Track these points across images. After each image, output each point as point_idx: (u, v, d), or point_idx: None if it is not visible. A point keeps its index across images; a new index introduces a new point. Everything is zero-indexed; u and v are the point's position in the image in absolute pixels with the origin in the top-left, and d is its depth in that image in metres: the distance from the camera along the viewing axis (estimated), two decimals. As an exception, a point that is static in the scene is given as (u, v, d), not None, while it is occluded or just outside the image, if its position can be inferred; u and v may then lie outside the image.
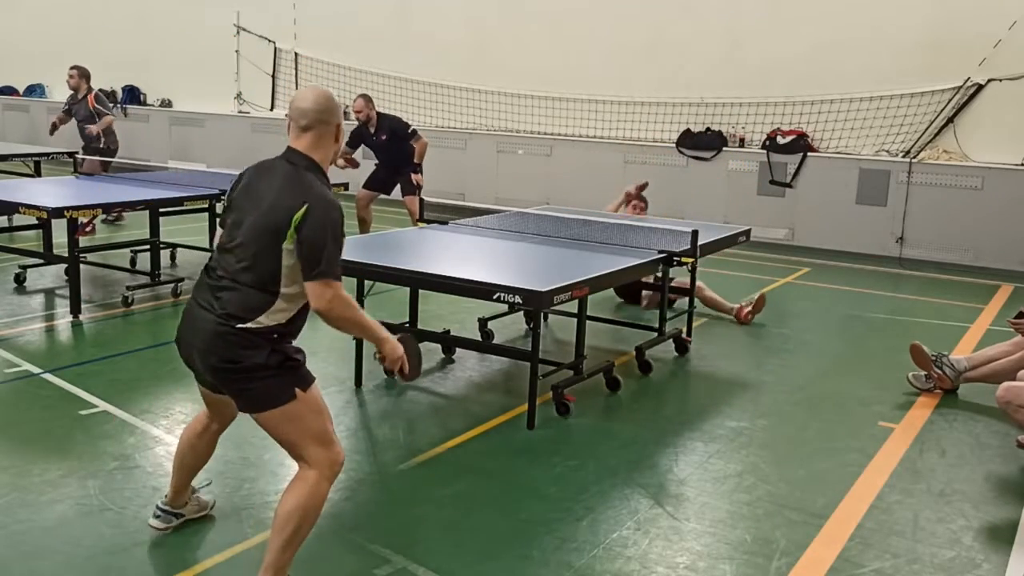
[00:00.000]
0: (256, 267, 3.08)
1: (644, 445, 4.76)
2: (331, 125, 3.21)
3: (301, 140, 3.20)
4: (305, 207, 3.02)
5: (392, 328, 5.72)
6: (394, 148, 9.15)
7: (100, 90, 10.95)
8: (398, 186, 9.31)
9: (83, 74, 10.49)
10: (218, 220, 3.38)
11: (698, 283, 7.13)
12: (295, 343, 3.23)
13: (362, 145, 9.36)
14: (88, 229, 9.65)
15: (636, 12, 11.99)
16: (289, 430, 3.16)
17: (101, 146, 10.36)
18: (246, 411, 3.24)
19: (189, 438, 3.58)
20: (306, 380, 3.18)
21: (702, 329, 6.97)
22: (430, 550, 3.58)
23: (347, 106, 14.21)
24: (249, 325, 3.07)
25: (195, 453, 3.60)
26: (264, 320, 3.09)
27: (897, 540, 3.80)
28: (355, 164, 9.15)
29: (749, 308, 7.25)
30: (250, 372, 3.09)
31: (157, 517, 3.65)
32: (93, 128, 10.34)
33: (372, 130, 9.17)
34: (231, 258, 3.14)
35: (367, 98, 9.22)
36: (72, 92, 10.54)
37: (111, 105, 11.23)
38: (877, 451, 4.76)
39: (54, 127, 10.71)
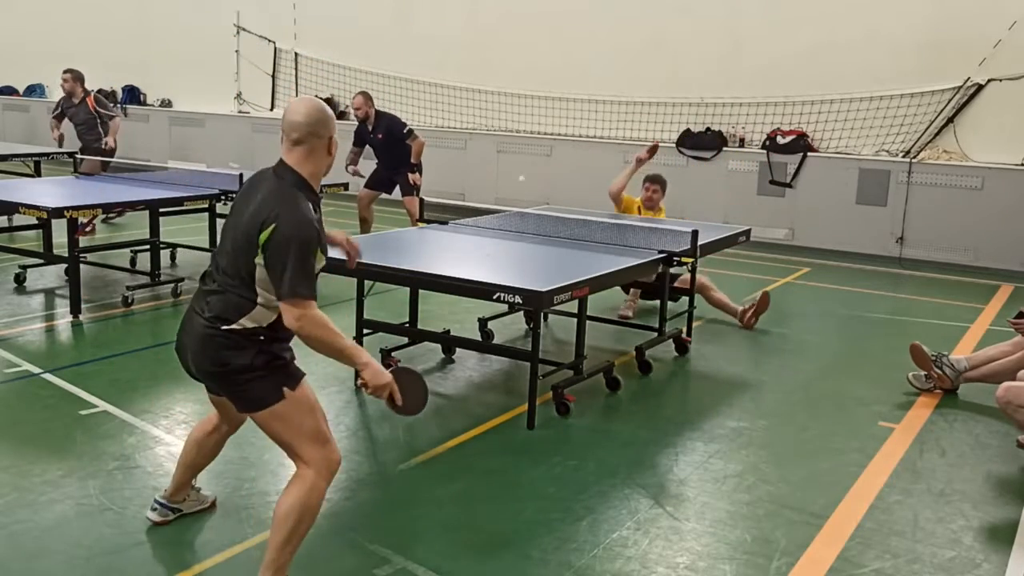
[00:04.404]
0: (237, 274, 3.09)
1: (644, 445, 4.76)
2: (323, 139, 3.14)
3: (292, 154, 3.13)
4: (272, 227, 2.98)
5: (392, 329, 5.79)
6: (390, 147, 9.21)
7: (99, 91, 10.85)
8: (398, 186, 9.36)
9: (77, 77, 10.32)
10: None
11: (706, 281, 7.09)
12: (285, 342, 3.22)
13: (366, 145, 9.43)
14: (88, 229, 9.65)
15: (636, 12, 11.98)
16: (281, 429, 3.16)
17: (102, 146, 10.32)
18: (243, 412, 3.28)
19: (198, 436, 3.64)
20: (294, 378, 3.18)
21: (702, 329, 6.97)
22: (430, 550, 3.58)
23: (347, 105, 14.27)
24: (234, 327, 3.09)
25: (201, 451, 3.64)
26: (247, 322, 3.10)
27: (897, 540, 3.80)
28: (361, 175, 9.28)
29: (751, 311, 7.08)
30: (238, 374, 3.12)
31: (154, 510, 3.71)
32: (110, 140, 10.22)
33: (370, 128, 9.24)
34: (220, 261, 3.18)
35: (366, 95, 9.26)
36: (66, 95, 10.38)
37: (112, 105, 11.15)
38: (877, 451, 4.76)
39: (61, 138, 10.53)
